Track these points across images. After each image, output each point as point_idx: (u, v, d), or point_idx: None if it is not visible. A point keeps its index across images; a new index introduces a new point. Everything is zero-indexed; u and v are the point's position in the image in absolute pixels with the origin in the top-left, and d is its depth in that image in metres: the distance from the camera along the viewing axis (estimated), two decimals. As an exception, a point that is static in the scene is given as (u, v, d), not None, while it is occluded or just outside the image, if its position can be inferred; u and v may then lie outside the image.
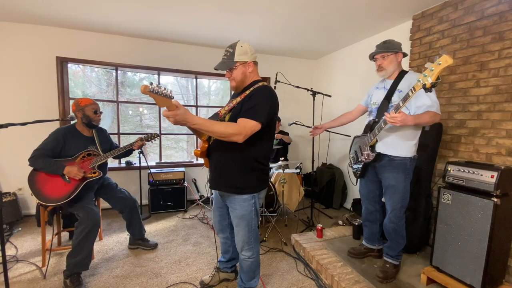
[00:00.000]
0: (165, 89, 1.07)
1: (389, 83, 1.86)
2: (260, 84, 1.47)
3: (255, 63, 1.52)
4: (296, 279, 2.06)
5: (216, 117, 1.50)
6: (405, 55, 1.85)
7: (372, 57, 1.90)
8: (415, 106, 1.71)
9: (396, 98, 1.77)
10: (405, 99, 1.56)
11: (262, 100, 1.39)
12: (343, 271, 1.97)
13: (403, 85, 1.76)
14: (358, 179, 2.12)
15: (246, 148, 1.43)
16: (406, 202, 1.86)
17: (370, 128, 1.89)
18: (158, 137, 2.47)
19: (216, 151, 1.50)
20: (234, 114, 1.44)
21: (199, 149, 1.54)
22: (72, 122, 2.17)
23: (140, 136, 2.38)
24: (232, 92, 1.66)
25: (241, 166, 1.47)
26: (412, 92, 1.50)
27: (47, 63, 3.16)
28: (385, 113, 1.64)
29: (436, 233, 1.84)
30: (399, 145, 1.79)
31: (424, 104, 1.67)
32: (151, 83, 1.04)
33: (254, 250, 1.64)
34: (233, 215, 1.59)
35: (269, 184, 3.00)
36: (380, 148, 1.86)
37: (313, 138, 3.15)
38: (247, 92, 1.45)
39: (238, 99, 1.45)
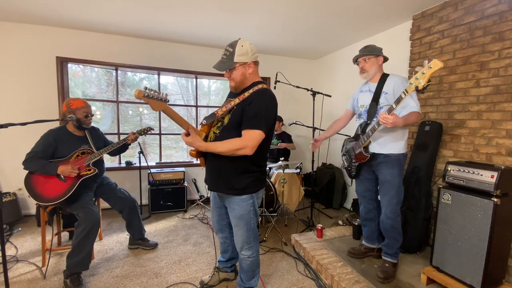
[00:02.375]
0: (160, 93, 1.07)
1: (373, 86, 1.94)
2: (260, 86, 1.44)
3: (256, 63, 1.48)
4: (296, 279, 2.06)
5: (213, 117, 1.47)
6: (385, 59, 1.95)
7: (355, 61, 1.99)
8: (400, 106, 1.78)
9: (383, 100, 1.86)
10: (398, 101, 1.62)
11: (262, 107, 1.38)
12: (343, 271, 1.97)
13: (388, 87, 1.86)
14: (354, 179, 2.16)
15: None
16: (401, 198, 1.92)
17: (362, 130, 1.95)
18: (152, 130, 2.43)
19: (214, 154, 1.48)
20: (235, 116, 1.42)
21: (194, 149, 1.51)
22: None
23: (133, 131, 2.35)
24: (229, 91, 1.64)
25: (239, 168, 1.47)
26: (405, 95, 1.58)
27: (47, 63, 3.16)
28: (380, 113, 1.72)
29: (436, 233, 1.84)
30: (392, 144, 1.88)
31: (408, 105, 1.77)
32: (145, 88, 1.04)
33: (253, 250, 1.64)
34: (231, 215, 1.58)
35: (267, 183, 3.00)
36: (375, 148, 1.92)
37: (313, 137, 3.14)
38: (246, 94, 1.42)
39: (237, 100, 1.42)
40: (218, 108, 1.53)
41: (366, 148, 1.94)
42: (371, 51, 1.92)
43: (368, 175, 2.05)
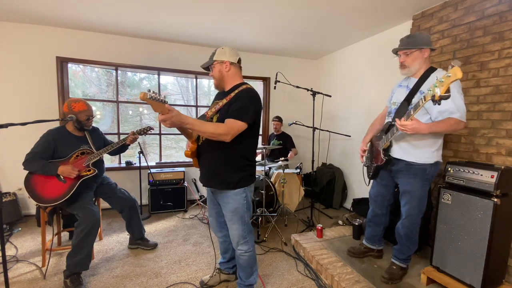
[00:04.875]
0: (160, 95, 1.16)
1: (413, 81, 1.72)
2: (244, 86, 1.56)
3: (233, 64, 1.59)
4: (296, 279, 2.06)
5: (203, 118, 1.55)
6: (432, 50, 1.71)
7: (396, 52, 1.76)
8: (437, 111, 1.57)
9: (417, 100, 1.58)
10: (416, 107, 1.45)
11: (248, 102, 1.48)
12: (343, 271, 1.97)
13: (427, 86, 1.61)
14: (371, 180, 2.06)
15: (235, 147, 1.51)
16: (423, 209, 1.79)
17: (386, 130, 1.78)
18: (151, 130, 2.42)
19: (206, 151, 1.57)
20: (222, 115, 1.51)
21: (188, 150, 1.59)
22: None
23: (133, 130, 2.34)
24: (216, 93, 1.75)
25: (231, 164, 1.54)
26: (422, 102, 1.40)
27: (47, 63, 3.16)
28: (396, 119, 1.56)
29: (436, 233, 1.84)
30: (417, 151, 1.69)
31: (447, 109, 1.53)
32: (149, 90, 1.12)
33: (250, 244, 1.67)
34: (226, 210, 1.62)
35: (267, 183, 3.00)
36: (397, 152, 1.77)
37: (313, 137, 3.15)
38: (232, 94, 1.52)
39: (224, 101, 1.53)
40: (207, 110, 1.63)
41: (386, 150, 1.79)
42: (414, 44, 1.62)
43: (386, 181, 1.94)
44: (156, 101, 1.14)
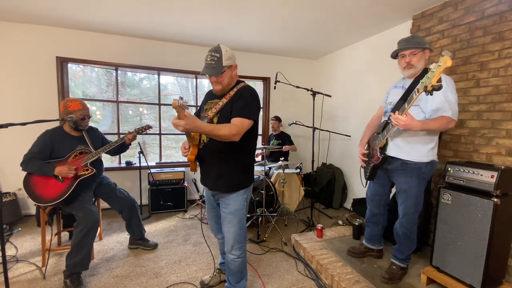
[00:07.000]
0: (186, 102, 1.17)
1: (408, 82, 1.77)
2: (243, 84, 1.55)
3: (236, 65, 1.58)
4: (296, 279, 2.06)
5: (204, 120, 1.50)
6: (430, 51, 1.75)
7: (396, 54, 1.78)
8: (431, 109, 1.61)
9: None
10: (409, 101, 1.48)
11: (251, 99, 1.48)
12: (343, 271, 1.97)
13: None
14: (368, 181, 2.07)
15: (241, 148, 1.49)
16: (420, 208, 1.80)
17: (382, 129, 1.81)
18: (150, 129, 2.40)
19: (211, 154, 1.53)
20: (224, 114, 1.47)
21: (191, 155, 1.51)
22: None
23: (129, 130, 2.32)
24: (207, 93, 1.72)
25: (238, 166, 1.54)
26: (416, 94, 1.42)
27: (47, 63, 3.16)
28: (391, 113, 1.57)
29: (436, 233, 1.84)
30: (412, 149, 1.71)
31: (440, 108, 1.57)
32: (181, 98, 1.13)
33: (243, 249, 1.64)
34: (226, 211, 1.58)
35: (267, 183, 3.00)
36: (393, 151, 1.78)
37: (313, 137, 3.15)
38: (232, 92, 1.50)
39: (224, 100, 1.50)
40: (204, 110, 1.58)
41: (382, 149, 1.81)
42: (421, 43, 1.66)
43: (383, 180, 1.95)
44: (183, 109, 1.14)
